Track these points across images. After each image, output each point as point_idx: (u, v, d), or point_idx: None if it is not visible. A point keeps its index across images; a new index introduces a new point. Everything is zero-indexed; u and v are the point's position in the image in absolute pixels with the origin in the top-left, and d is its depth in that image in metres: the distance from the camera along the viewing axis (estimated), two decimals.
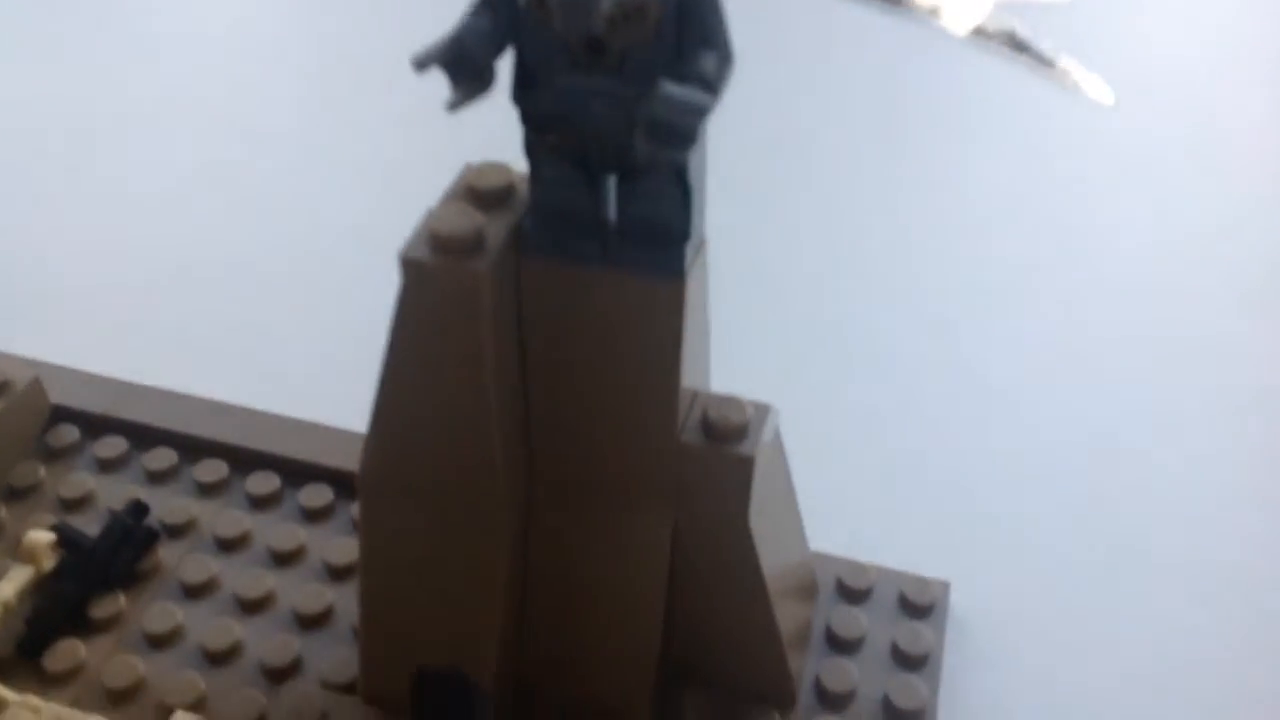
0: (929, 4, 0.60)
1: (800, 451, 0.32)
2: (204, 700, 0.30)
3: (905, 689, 0.31)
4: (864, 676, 0.31)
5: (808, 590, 0.33)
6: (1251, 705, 0.33)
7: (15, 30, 0.64)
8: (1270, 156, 0.55)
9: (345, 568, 0.34)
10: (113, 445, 0.37)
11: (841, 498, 0.38)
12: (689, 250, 0.25)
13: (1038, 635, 0.34)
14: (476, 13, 0.23)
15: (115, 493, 0.35)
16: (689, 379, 0.27)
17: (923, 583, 0.34)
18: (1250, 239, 0.50)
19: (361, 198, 0.51)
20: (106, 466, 0.37)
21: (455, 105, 0.22)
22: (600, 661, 0.30)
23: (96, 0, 0.67)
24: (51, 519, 0.34)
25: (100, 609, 0.32)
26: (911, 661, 0.32)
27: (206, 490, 0.36)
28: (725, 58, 0.22)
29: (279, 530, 0.35)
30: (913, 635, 0.32)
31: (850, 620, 0.32)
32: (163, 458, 0.37)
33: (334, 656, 0.31)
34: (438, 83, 0.23)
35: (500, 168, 0.26)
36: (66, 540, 0.33)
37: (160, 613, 0.32)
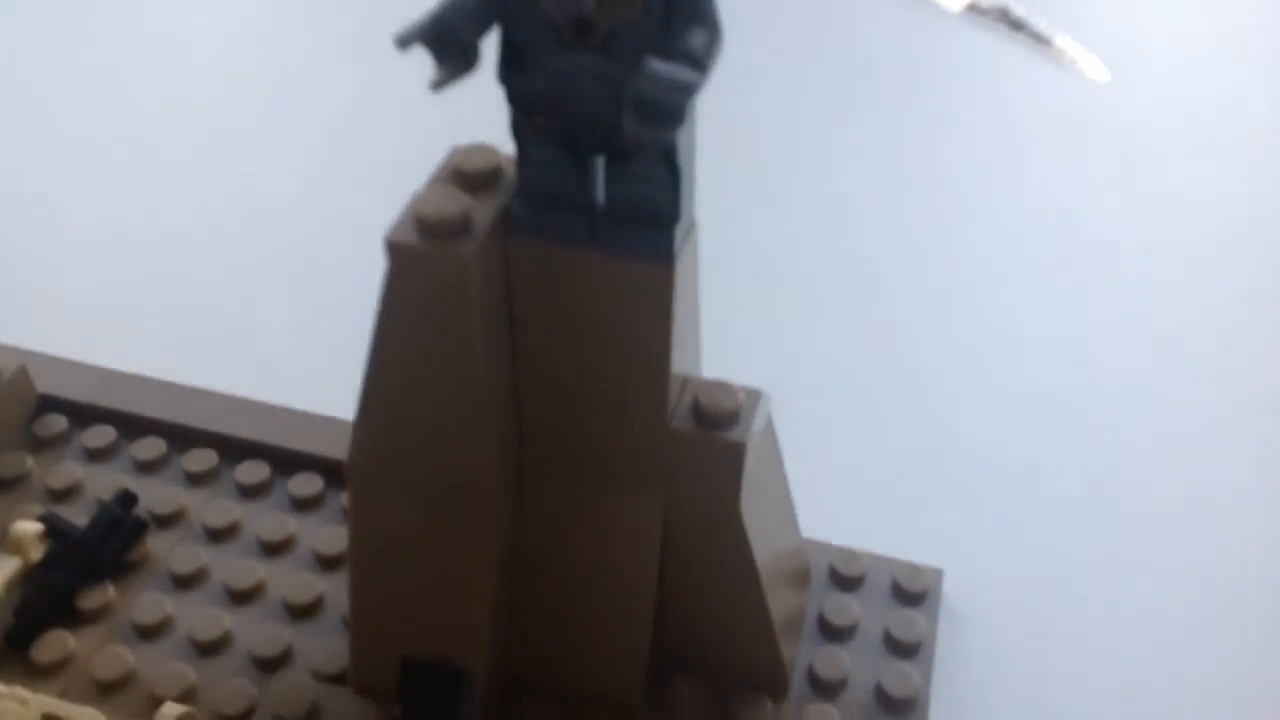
0: None
1: (793, 438, 0.32)
2: (194, 691, 0.30)
3: (898, 676, 0.31)
4: (857, 664, 0.31)
5: (800, 578, 0.33)
6: (1245, 693, 0.32)
7: (5, 23, 0.63)
8: (1270, 138, 0.55)
9: (335, 557, 0.33)
10: (101, 434, 0.37)
11: (834, 485, 0.37)
12: (678, 233, 0.25)
13: (1031, 623, 0.34)
14: None
15: (104, 482, 0.35)
16: (680, 364, 0.27)
17: (916, 570, 0.34)
18: (1250, 225, 0.50)
19: (348, 183, 0.51)
20: (95, 456, 0.36)
21: (439, 84, 0.22)
22: (591, 650, 0.29)
23: None
24: (39, 509, 0.34)
25: (89, 600, 0.32)
26: (904, 649, 0.32)
27: (196, 480, 0.36)
28: (714, 36, 0.21)
29: (269, 520, 0.34)
30: (906, 623, 0.32)
31: (843, 608, 0.32)
32: (151, 447, 0.36)
33: (324, 647, 0.31)
34: (422, 62, 0.22)
35: (487, 150, 0.26)
36: (54, 530, 0.33)
37: (149, 603, 0.32)
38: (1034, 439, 0.40)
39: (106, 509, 0.33)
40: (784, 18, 0.64)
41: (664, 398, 0.27)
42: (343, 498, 0.35)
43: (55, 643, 0.31)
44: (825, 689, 0.31)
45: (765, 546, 0.29)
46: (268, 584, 0.33)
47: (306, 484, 0.35)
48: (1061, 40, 0.26)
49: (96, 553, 0.32)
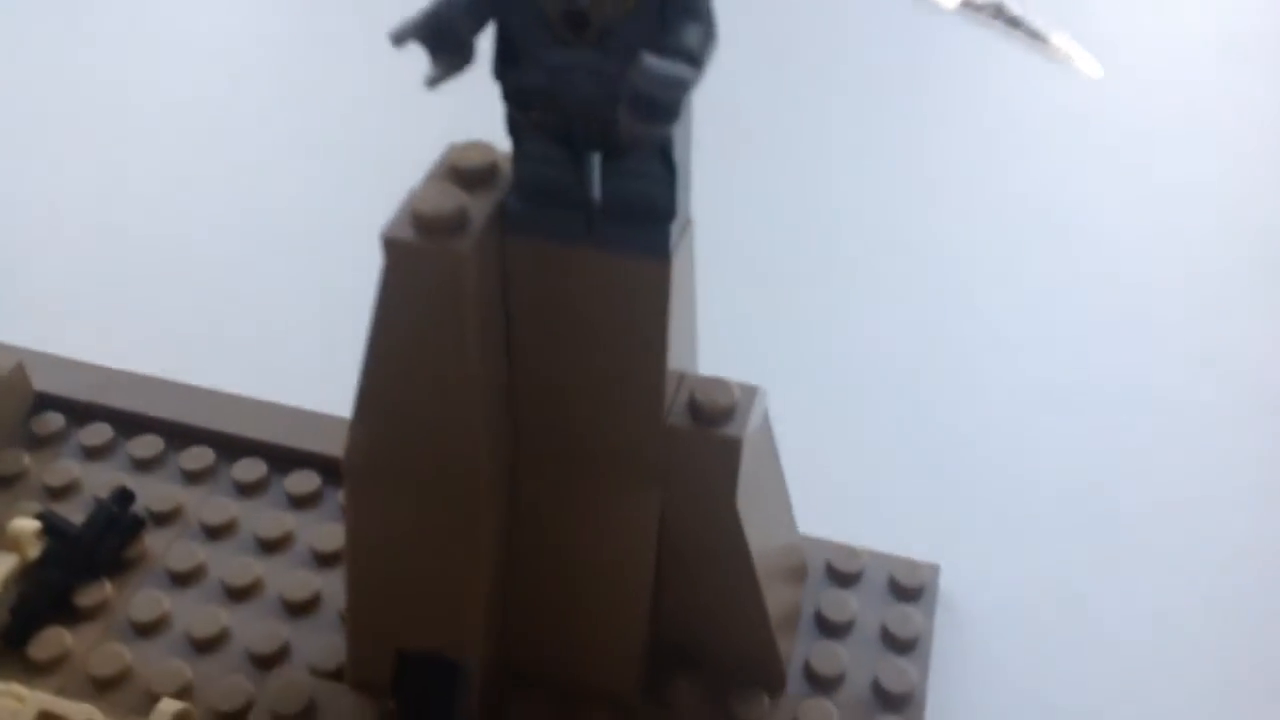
0: None
1: (789, 434, 0.32)
2: (190, 688, 0.30)
3: (895, 672, 0.31)
4: (853, 659, 0.31)
5: (797, 574, 0.33)
6: (1243, 690, 0.32)
7: (3, 21, 0.63)
8: (1267, 133, 0.55)
9: (333, 554, 0.33)
10: (98, 432, 0.37)
11: (831, 481, 0.37)
12: (674, 229, 0.25)
13: (1028, 618, 0.34)
14: None
15: (101, 480, 0.35)
16: (676, 360, 0.27)
17: (913, 566, 0.34)
18: (1248, 220, 0.50)
19: (345, 181, 0.51)
20: (92, 454, 0.36)
21: (434, 81, 0.22)
22: (588, 645, 0.29)
23: None
24: (36, 507, 0.34)
25: (86, 597, 0.32)
26: (901, 645, 0.32)
27: (193, 477, 0.36)
28: (709, 31, 0.22)
29: (266, 517, 0.34)
30: (902, 618, 0.32)
31: (840, 603, 0.32)
32: (148, 445, 0.36)
33: (322, 643, 0.31)
34: (418, 59, 0.22)
35: (483, 147, 0.26)
36: (51, 528, 0.33)
37: (146, 600, 0.32)
38: (1031, 435, 0.40)
39: (103, 506, 0.33)
40: (779, 14, 0.64)
41: (660, 394, 0.27)
42: (340, 495, 0.35)
43: (52, 640, 0.31)
44: (822, 684, 0.31)
45: (762, 542, 0.30)
46: (265, 581, 0.33)
47: (304, 481, 0.35)
48: (1057, 37, 0.26)
49: (93, 550, 0.32)
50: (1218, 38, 0.63)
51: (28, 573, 0.32)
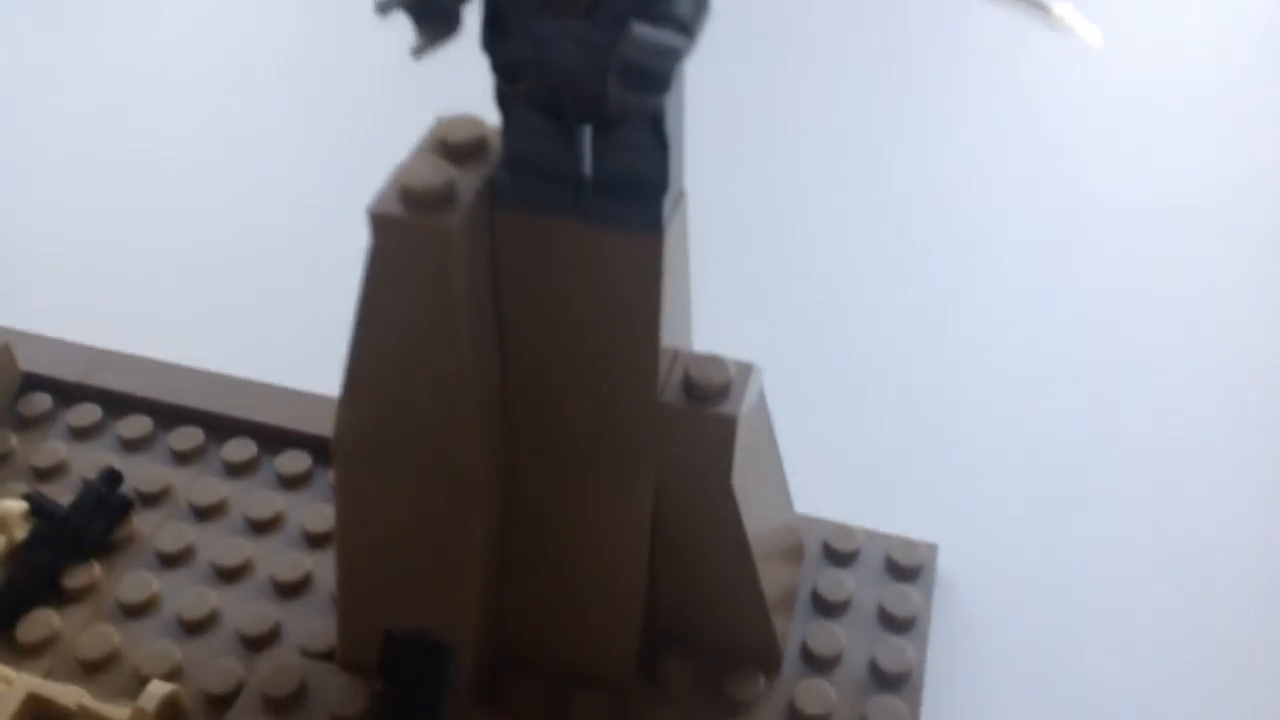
0: None
1: (786, 413, 0.31)
2: (180, 670, 0.30)
3: (892, 652, 0.30)
4: (851, 639, 0.31)
5: (793, 553, 0.33)
6: (1242, 665, 0.32)
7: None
8: (1271, 107, 0.55)
9: (323, 535, 0.33)
10: (86, 413, 0.36)
11: (828, 460, 0.37)
12: (667, 203, 0.24)
13: (1025, 598, 0.34)
14: None
15: (89, 461, 0.35)
16: (669, 337, 0.27)
17: (910, 545, 0.33)
18: (1253, 196, 0.50)
19: (333, 156, 0.50)
20: (80, 435, 0.36)
21: (420, 51, 0.22)
22: (582, 626, 0.29)
23: None
24: (24, 488, 0.33)
25: (74, 579, 0.31)
26: (899, 624, 0.31)
27: (182, 458, 0.35)
28: None
29: (256, 498, 0.34)
30: (900, 598, 0.32)
31: (837, 583, 0.32)
32: (137, 425, 0.36)
33: (313, 624, 0.31)
34: (404, 30, 0.22)
35: (472, 120, 0.26)
36: (39, 509, 0.32)
37: (136, 582, 0.32)
38: (1030, 414, 0.40)
39: (91, 487, 0.33)
40: None
41: (654, 371, 0.26)
42: (331, 475, 0.34)
43: (40, 622, 0.30)
44: (819, 664, 0.30)
45: (758, 522, 0.29)
46: (255, 562, 0.33)
47: (294, 461, 0.35)
48: (1059, 7, 0.25)
49: (81, 531, 0.32)
50: (1221, 9, 0.62)
51: (15, 554, 0.32)
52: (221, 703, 0.29)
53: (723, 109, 0.52)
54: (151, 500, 0.34)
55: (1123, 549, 0.35)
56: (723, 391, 0.27)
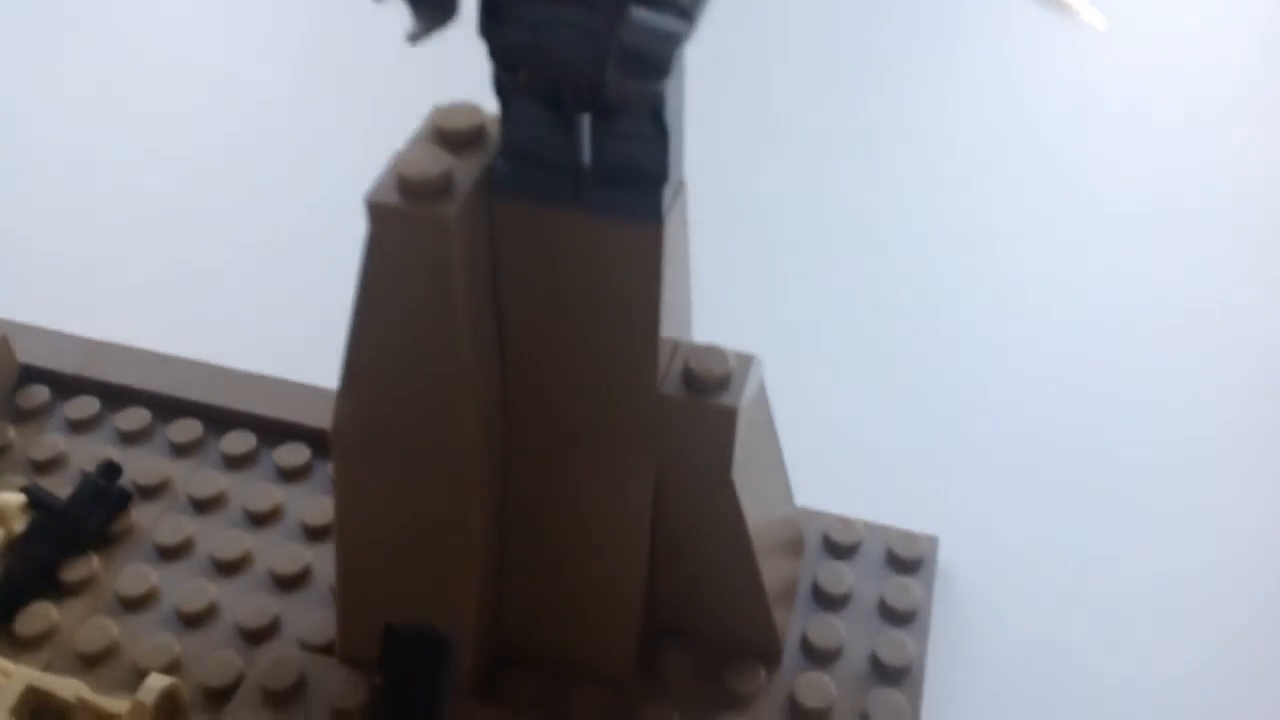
0: None
1: (786, 405, 0.31)
2: (179, 663, 0.30)
3: (893, 645, 0.30)
4: (851, 632, 0.31)
5: (794, 546, 0.33)
6: (1245, 655, 0.32)
7: None
8: (1272, 94, 0.54)
9: (323, 527, 0.33)
10: (84, 405, 0.36)
11: (828, 452, 0.37)
12: (667, 193, 0.24)
13: (1027, 591, 0.34)
14: None
15: (87, 454, 0.35)
16: (669, 328, 0.26)
17: (911, 538, 0.33)
18: (1254, 185, 0.49)
19: (330, 146, 0.50)
20: (78, 427, 0.36)
21: (416, 37, 0.21)
22: (581, 620, 0.29)
23: None
24: (21, 481, 0.33)
25: (73, 571, 0.31)
26: (899, 617, 0.31)
27: (180, 450, 0.35)
28: None
29: (255, 490, 0.34)
30: (901, 590, 0.32)
31: (837, 576, 0.32)
32: (135, 418, 0.36)
33: (312, 617, 0.31)
34: (400, 15, 0.22)
35: (470, 109, 0.25)
36: (37, 502, 0.32)
37: (134, 575, 0.31)
38: (1031, 408, 0.39)
39: (90, 480, 0.33)
40: None
41: (653, 363, 0.26)
42: (330, 468, 0.34)
43: (38, 615, 0.30)
44: (819, 657, 0.30)
45: (758, 514, 0.29)
46: (254, 555, 0.32)
47: (293, 454, 0.35)
48: None
49: (80, 524, 0.32)
50: (1224, 16, 0.62)
51: (13, 547, 0.31)
52: (220, 696, 0.29)
53: (724, 99, 0.52)
54: (150, 493, 0.34)
55: (1122, 543, 0.35)
56: (723, 383, 0.27)
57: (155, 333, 0.39)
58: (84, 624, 0.30)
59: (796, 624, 0.31)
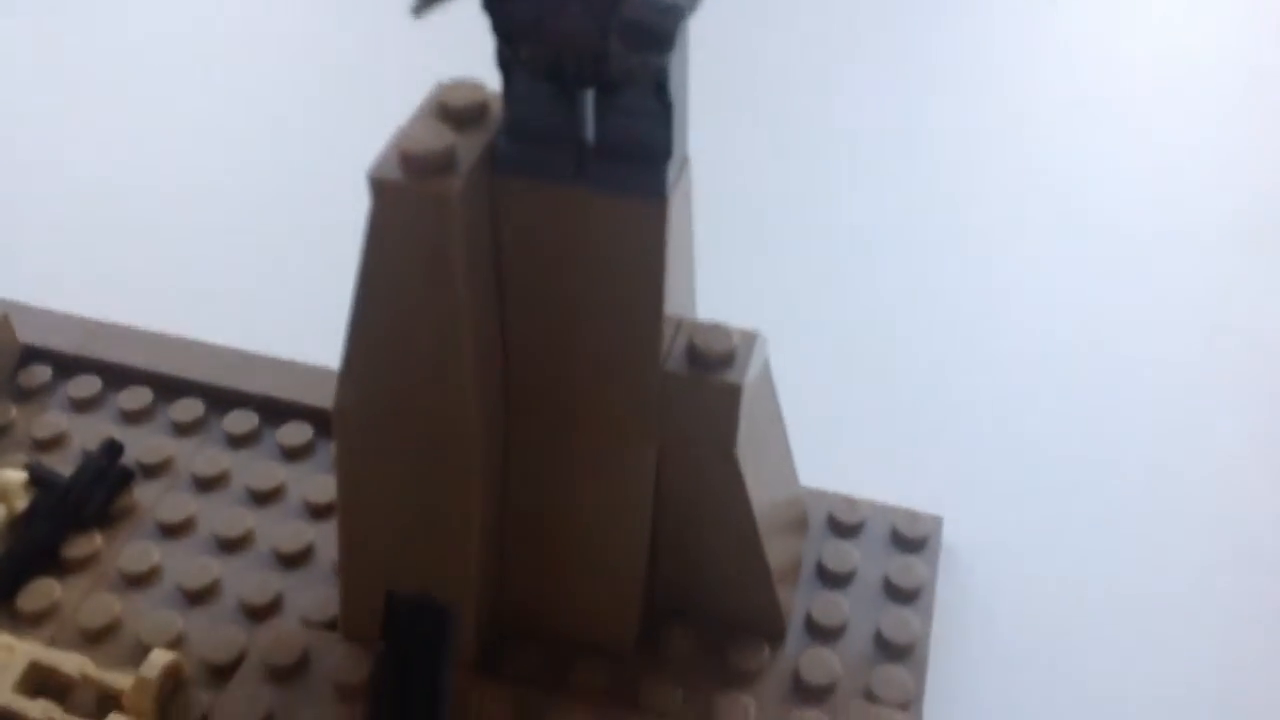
0: None
1: (790, 384, 0.31)
2: (182, 639, 0.30)
3: (897, 622, 0.30)
4: (856, 610, 0.31)
5: (798, 525, 0.32)
6: (1248, 635, 0.32)
7: None
8: (1271, 82, 0.54)
9: (326, 506, 0.33)
10: (86, 385, 0.36)
11: (832, 432, 0.37)
12: (671, 169, 0.24)
13: (1031, 569, 0.34)
14: None
15: (89, 433, 0.35)
16: (673, 305, 0.26)
17: (915, 517, 0.33)
18: (1252, 172, 0.49)
19: (332, 123, 0.50)
20: (80, 406, 0.36)
21: (420, 10, 0.21)
22: (584, 596, 0.29)
23: None
24: (24, 460, 0.33)
25: (75, 549, 0.31)
26: (904, 595, 0.31)
27: (183, 429, 0.35)
28: None
29: (257, 469, 0.34)
30: (905, 569, 0.32)
31: (842, 554, 0.32)
32: (137, 397, 0.36)
33: (315, 595, 0.31)
34: None
35: (473, 85, 0.25)
36: (39, 480, 0.32)
37: (137, 552, 0.31)
38: (1034, 386, 0.39)
39: (92, 459, 0.33)
40: None
41: (657, 340, 0.26)
42: (332, 447, 0.34)
43: (41, 592, 0.30)
44: (824, 635, 0.30)
45: (763, 493, 0.29)
46: (257, 533, 0.32)
47: (296, 433, 0.35)
48: None
49: (82, 502, 0.32)
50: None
51: (16, 525, 0.31)
52: (223, 672, 0.29)
53: (730, 76, 0.51)
54: (152, 471, 0.34)
55: (1126, 520, 0.35)
56: (727, 360, 0.27)
57: (157, 312, 0.39)
58: (87, 600, 0.30)
59: (801, 602, 0.31)
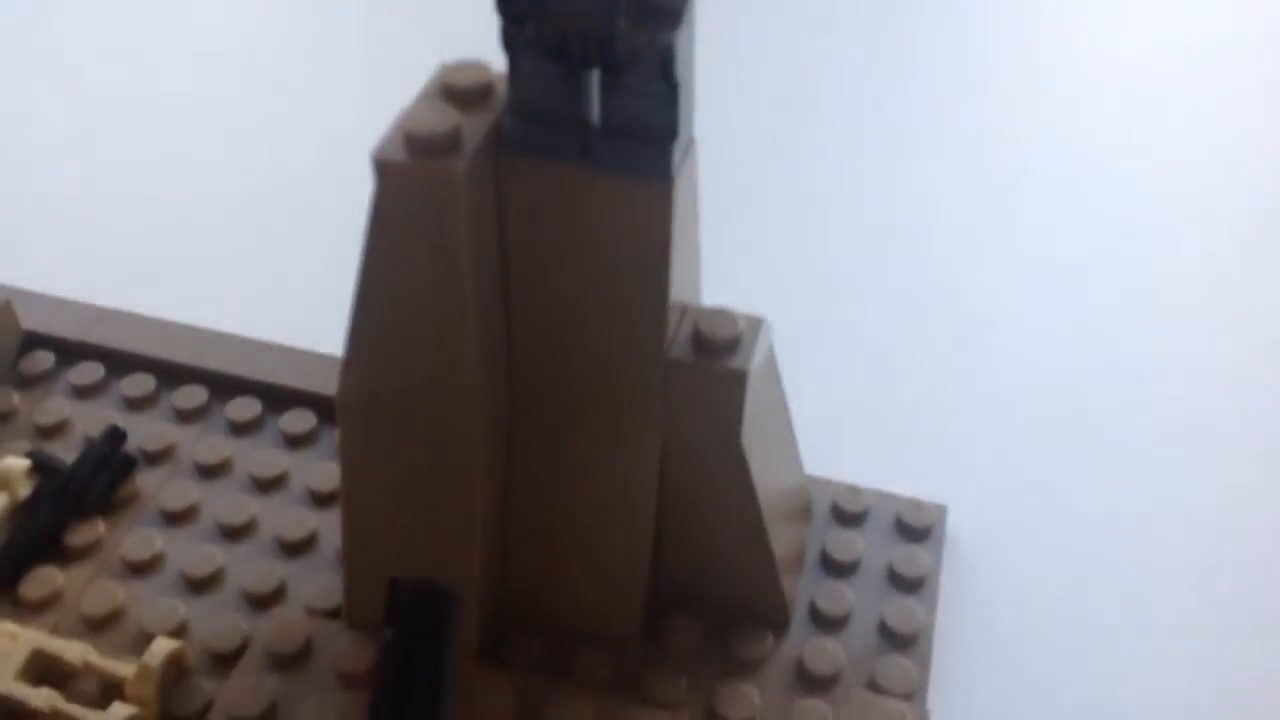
0: None
1: (794, 373, 0.31)
2: (185, 627, 0.30)
3: (902, 611, 0.30)
4: (860, 599, 0.31)
5: (802, 514, 0.32)
6: (1254, 623, 0.32)
7: None
8: (1273, 57, 0.54)
9: (329, 494, 0.33)
10: (89, 371, 0.36)
11: (837, 421, 0.37)
12: (677, 150, 0.24)
13: (1035, 559, 0.34)
14: None
15: (92, 419, 0.35)
16: (678, 290, 0.26)
17: (919, 506, 0.33)
18: (1255, 150, 0.49)
19: (338, 110, 0.50)
20: (82, 393, 0.36)
21: None
22: (587, 585, 0.29)
23: None
24: (26, 446, 0.33)
25: (78, 536, 0.31)
26: (908, 584, 0.31)
27: (186, 416, 0.35)
28: None
29: (261, 456, 0.34)
30: (909, 558, 0.31)
31: (846, 543, 0.32)
32: (140, 384, 0.36)
33: (319, 582, 0.31)
34: None
35: (478, 66, 0.25)
36: (42, 467, 0.32)
37: (140, 540, 0.31)
38: (1039, 376, 0.39)
39: (94, 445, 0.32)
40: None
41: (662, 325, 0.26)
42: (336, 434, 0.34)
43: (44, 579, 0.30)
44: (828, 624, 0.30)
45: (767, 481, 0.29)
46: (260, 521, 0.32)
47: (299, 420, 0.35)
48: None
49: (84, 489, 0.32)
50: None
51: (18, 512, 0.31)
52: (226, 660, 0.29)
53: (738, 59, 0.51)
54: (155, 458, 0.34)
55: (1131, 510, 0.35)
56: (732, 346, 0.27)
57: (159, 299, 0.39)
58: (90, 588, 0.30)
59: (805, 591, 0.31)
